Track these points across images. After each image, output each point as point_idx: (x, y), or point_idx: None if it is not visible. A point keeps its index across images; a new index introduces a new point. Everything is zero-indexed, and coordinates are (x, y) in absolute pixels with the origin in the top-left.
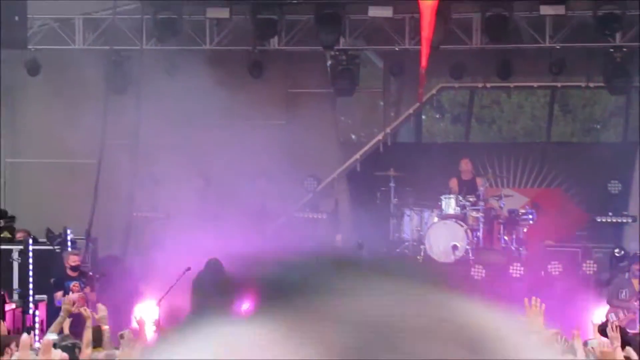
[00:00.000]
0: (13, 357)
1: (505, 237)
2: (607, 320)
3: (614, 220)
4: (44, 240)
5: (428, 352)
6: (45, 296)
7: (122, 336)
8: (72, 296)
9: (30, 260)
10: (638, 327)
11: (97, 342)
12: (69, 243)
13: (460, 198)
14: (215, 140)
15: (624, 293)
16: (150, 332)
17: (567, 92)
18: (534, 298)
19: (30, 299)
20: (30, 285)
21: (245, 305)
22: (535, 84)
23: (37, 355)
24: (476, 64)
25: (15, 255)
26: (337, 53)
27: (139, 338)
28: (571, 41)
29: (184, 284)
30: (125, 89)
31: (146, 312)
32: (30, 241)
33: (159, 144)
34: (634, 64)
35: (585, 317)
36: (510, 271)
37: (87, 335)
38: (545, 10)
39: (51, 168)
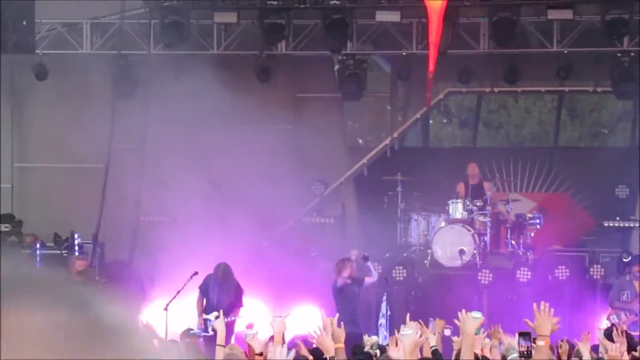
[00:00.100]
0: None
1: (513, 242)
2: (612, 325)
3: (621, 225)
4: (52, 244)
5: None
6: None
7: None
8: None
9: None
10: None
11: None
12: (77, 247)
13: (468, 202)
14: (222, 145)
15: (625, 295)
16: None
17: (575, 97)
18: (542, 303)
19: None
20: None
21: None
22: (542, 89)
23: None
24: (484, 69)
25: None
26: (344, 57)
27: None
28: (579, 46)
29: (191, 288)
30: (133, 94)
31: (153, 316)
32: (38, 245)
33: (166, 148)
34: None
35: (592, 321)
36: (518, 276)
37: None
38: (553, 14)
39: (59, 172)
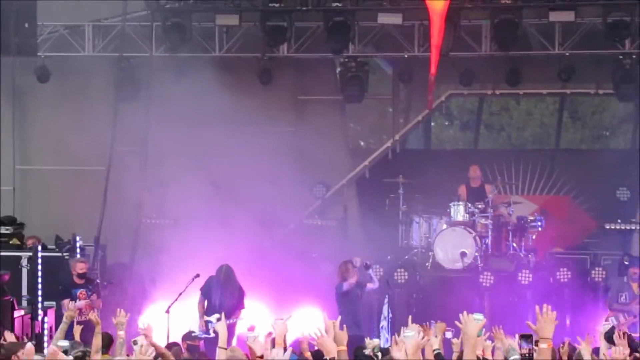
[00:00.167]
0: None
1: (514, 244)
2: (613, 327)
3: (623, 228)
4: (53, 247)
5: None
6: (54, 303)
7: (135, 342)
8: (79, 303)
9: (39, 267)
10: (639, 330)
11: (107, 348)
12: (78, 250)
13: (469, 205)
14: (224, 147)
15: (623, 296)
16: (158, 339)
17: (576, 99)
18: (545, 305)
19: (39, 305)
20: (39, 292)
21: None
22: (544, 91)
23: None
24: (485, 71)
25: (24, 262)
26: (346, 60)
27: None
28: (580, 48)
29: (193, 290)
30: (135, 96)
31: (154, 319)
32: (40, 248)
33: (168, 150)
34: None
35: (593, 324)
36: (519, 278)
37: (97, 341)
38: (555, 17)
39: (60, 175)
